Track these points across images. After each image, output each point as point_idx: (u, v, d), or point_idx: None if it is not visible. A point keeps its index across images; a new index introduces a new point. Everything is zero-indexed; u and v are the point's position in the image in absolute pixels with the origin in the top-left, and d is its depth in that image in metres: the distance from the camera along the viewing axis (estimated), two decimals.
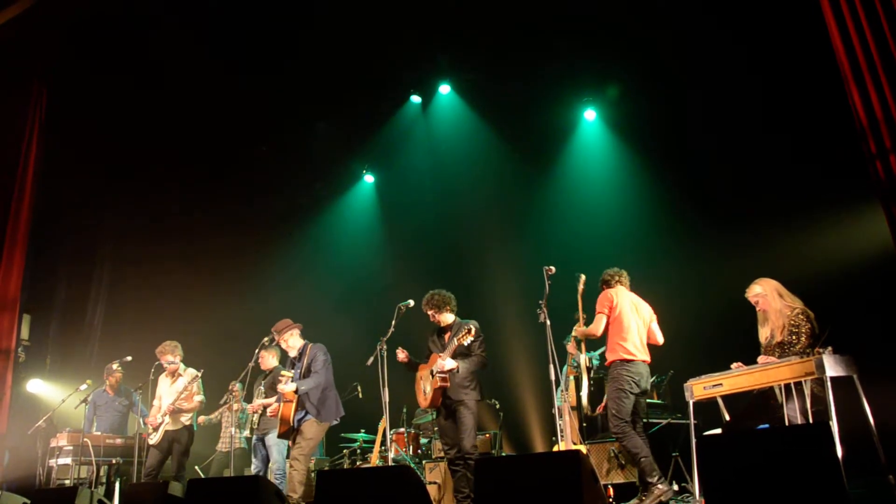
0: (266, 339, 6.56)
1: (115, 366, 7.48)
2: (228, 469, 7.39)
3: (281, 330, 6.17)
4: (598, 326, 5.49)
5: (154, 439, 6.81)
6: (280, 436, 6.05)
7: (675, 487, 5.75)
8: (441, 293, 5.77)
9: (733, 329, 5.20)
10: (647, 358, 5.49)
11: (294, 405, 5.91)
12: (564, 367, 7.15)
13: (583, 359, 6.44)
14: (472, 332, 5.41)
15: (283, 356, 7.33)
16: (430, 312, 5.77)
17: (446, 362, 5.44)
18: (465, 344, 5.45)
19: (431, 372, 5.58)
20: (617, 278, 5.67)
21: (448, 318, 5.76)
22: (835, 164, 6.08)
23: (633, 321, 5.47)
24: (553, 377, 5.40)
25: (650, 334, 5.61)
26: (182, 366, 7.12)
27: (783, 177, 6.84)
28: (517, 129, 8.90)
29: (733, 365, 4.72)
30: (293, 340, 6.21)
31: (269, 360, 7.12)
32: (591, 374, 6.56)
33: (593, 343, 6.46)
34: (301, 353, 6.17)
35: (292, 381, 5.92)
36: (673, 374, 6.64)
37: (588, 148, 8.83)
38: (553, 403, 5.58)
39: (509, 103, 8.78)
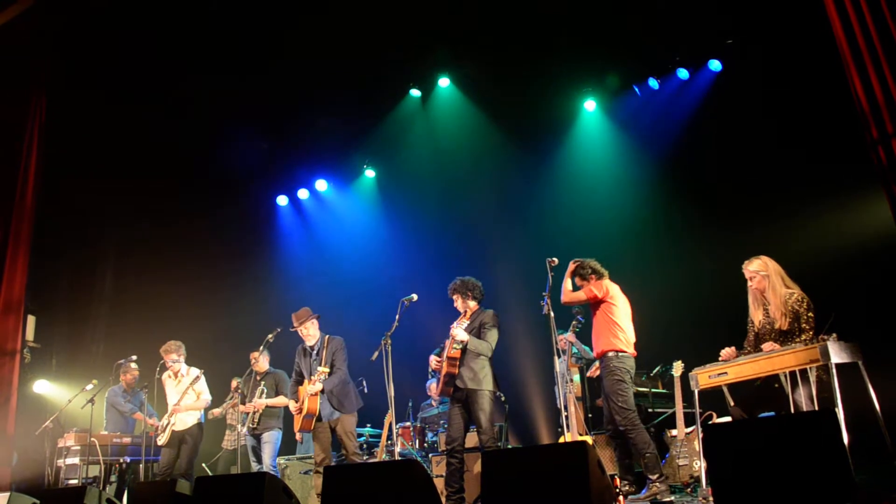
0: (270, 336, 6.58)
1: (133, 364, 7.49)
2: (235, 466, 7.42)
3: (302, 318, 6.22)
4: (580, 296, 5.46)
5: (162, 440, 6.87)
6: (302, 429, 6.14)
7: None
8: (469, 279, 5.70)
9: (735, 317, 5.17)
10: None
11: (318, 400, 6.02)
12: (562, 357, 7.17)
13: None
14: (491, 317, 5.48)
15: (273, 355, 7.37)
16: (454, 297, 5.69)
17: (459, 332, 5.42)
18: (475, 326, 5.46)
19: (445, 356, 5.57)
20: (606, 274, 5.61)
21: (472, 305, 5.67)
22: (836, 149, 6.06)
23: (627, 315, 5.47)
24: (557, 369, 5.40)
25: None
26: (184, 366, 7.13)
27: (783, 163, 6.82)
28: (517, 120, 8.87)
29: (723, 353, 4.72)
30: (313, 330, 6.27)
31: (262, 362, 7.16)
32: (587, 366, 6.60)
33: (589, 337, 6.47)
34: (320, 345, 6.24)
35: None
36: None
37: (588, 138, 8.80)
38: (559, 395, 5.57)
39: (509, 95, 8.74)
